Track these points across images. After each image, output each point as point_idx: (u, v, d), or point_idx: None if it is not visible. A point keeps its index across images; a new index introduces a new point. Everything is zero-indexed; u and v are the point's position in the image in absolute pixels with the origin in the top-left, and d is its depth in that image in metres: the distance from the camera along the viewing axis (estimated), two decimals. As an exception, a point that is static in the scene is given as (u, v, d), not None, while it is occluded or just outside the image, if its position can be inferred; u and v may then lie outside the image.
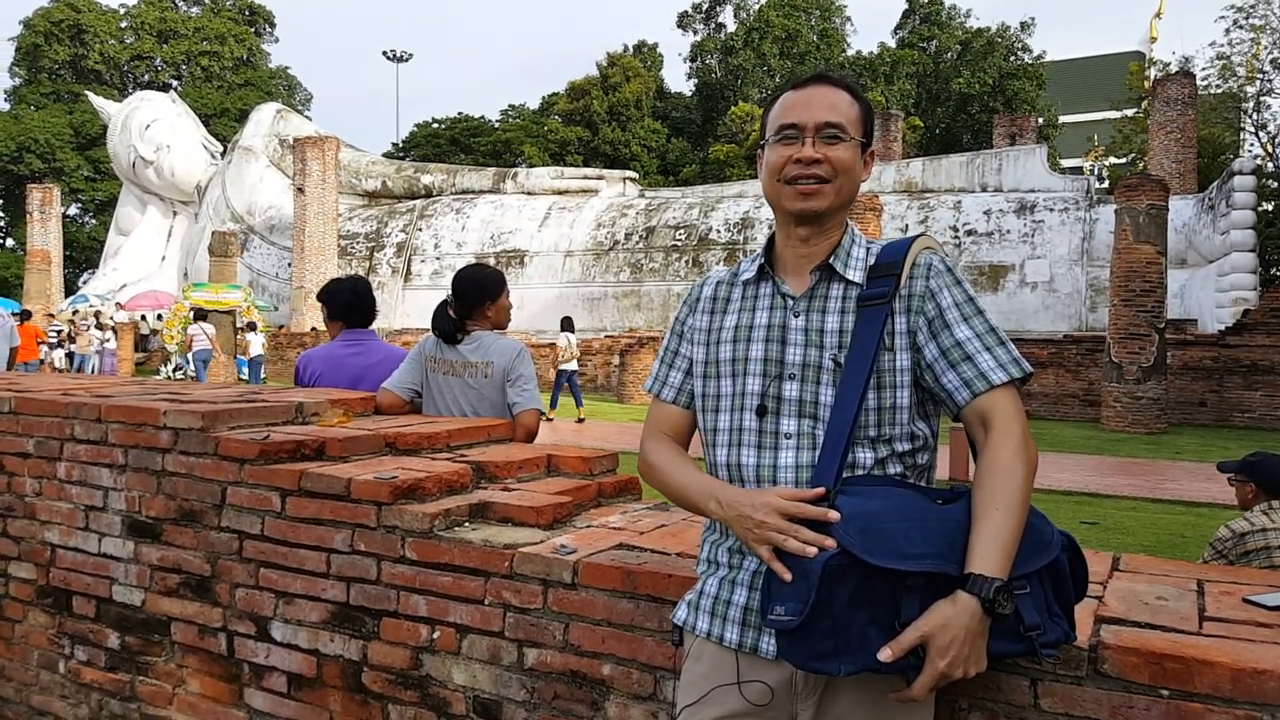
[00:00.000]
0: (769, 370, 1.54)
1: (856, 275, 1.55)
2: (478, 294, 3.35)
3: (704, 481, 1.57)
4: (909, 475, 1.52)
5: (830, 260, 1.56)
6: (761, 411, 1.54)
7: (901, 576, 1.32)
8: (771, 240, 1.65)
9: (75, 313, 26.04)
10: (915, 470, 1.54)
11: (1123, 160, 34.66)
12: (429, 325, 3.44)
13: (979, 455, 1.46)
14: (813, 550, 1.34)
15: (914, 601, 1.32)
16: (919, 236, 1.59)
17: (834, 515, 1.35)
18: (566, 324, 16.38)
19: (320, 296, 3.91)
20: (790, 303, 1.57)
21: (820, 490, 1.40)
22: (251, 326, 20.53)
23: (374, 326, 3.92)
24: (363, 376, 3.66)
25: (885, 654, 1.30)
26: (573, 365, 15.69)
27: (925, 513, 1.39)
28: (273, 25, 54.62)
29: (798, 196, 1.55)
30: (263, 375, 20.29)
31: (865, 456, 1.49)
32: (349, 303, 3.80)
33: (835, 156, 1.54)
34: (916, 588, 1.32)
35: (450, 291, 3.38)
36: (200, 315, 20.04)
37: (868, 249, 1.59)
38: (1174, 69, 30.07)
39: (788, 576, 1.35)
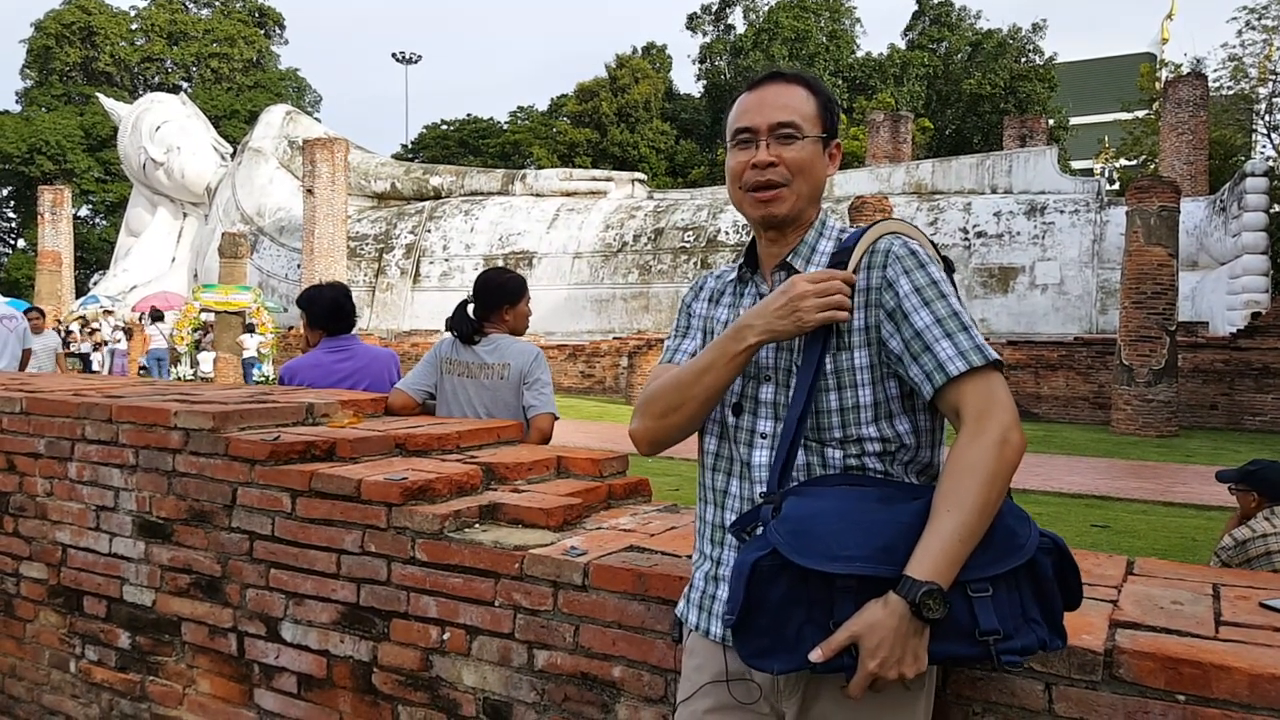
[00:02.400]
0: (748, 371, 1.53)
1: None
2: (497, 297, 3.35)
3: (702, 356, 1.53)
4: (895, 474, 1.46)
5: (789, 259, 1.55)
6: (738, 410, 1.54)
7: (833, 578, 1.29)
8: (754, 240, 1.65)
9: (108, 314, 26.16)
10: (905, 467, 1.47)
11: (1134, 162, 34.47)
12: (438, 326, 3.46)
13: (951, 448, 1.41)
14: (842, 312, 1.41)
15: (848, 602, 1.30)
16: (880, 221, 1.53)
17: (851, 277, 1.43)
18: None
19: (300, 303, 3.92)
20: None
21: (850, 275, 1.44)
22: (249, 328, 20.57)
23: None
24: (355, 381, 3.66)
25: (816, 654, 1.29)
26: None
27: (868, 514, 1.34)
28: (282, 27, 54.87)
29: (757, 204, 1.53)
30: (260, 375, 20.43)
31: (834, 454, 1.46)
32: (330, 310, 3.82)
33: (790, 157, 1.51)
34: (849, 589, 1.29)
35: (471, 292, 3.40)
36: (157, 316, 20.54)
37: (839, 239, 1.56)
38: (1185, 70, 29.94)
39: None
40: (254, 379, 20.04)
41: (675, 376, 1.57)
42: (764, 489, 1.48)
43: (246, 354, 20.09)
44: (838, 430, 1.46)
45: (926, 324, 1.41)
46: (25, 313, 8.91)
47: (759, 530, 1.38)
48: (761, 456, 1.50)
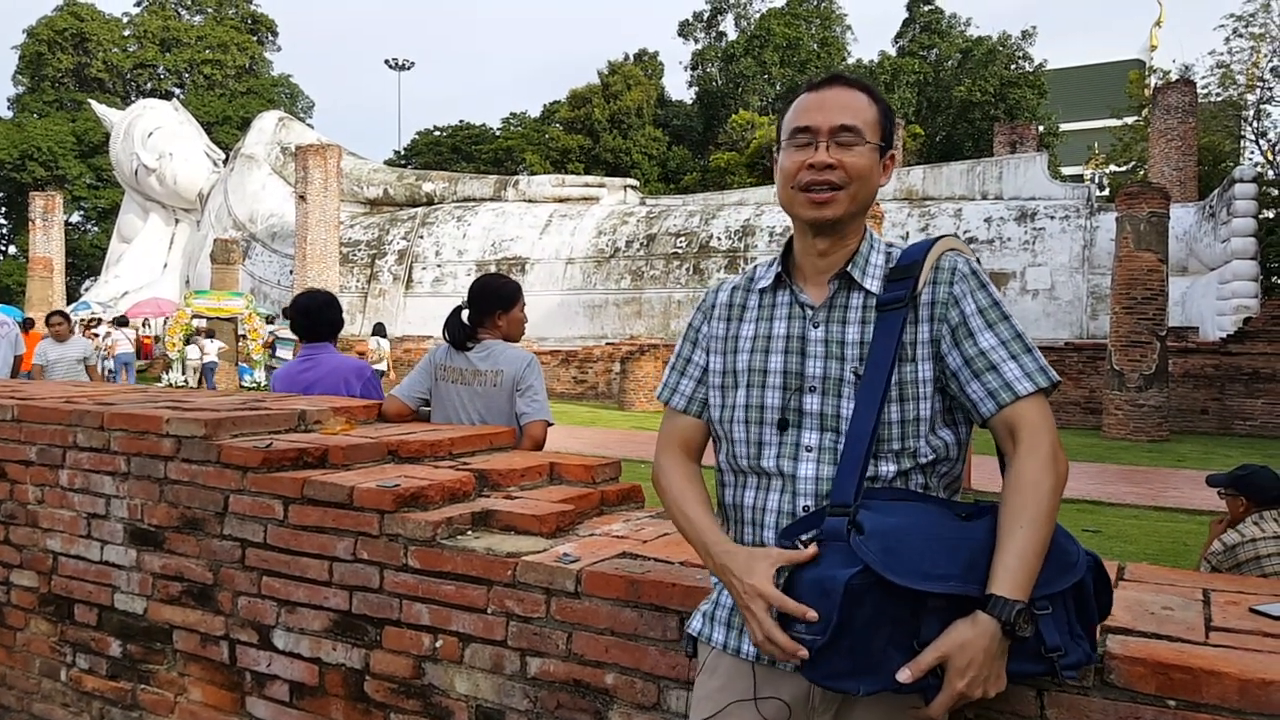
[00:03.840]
0: (789, 383, 1.50)
1: (874, 285, 1.50)
2: (490, 302, 3.33)
3: (699, 531, 1.52)
4: (933, 487, 1.48)
5: (848, 268, 1.52)
6: (783, 425, 1.50)
7: (923, 597, 1.28)
8: (789, 246, 1.60)
9: (98, 322, 26.12)
10: (940, 481, 1.50)
11: (1123, 168, 34.64)
12: (430, 332, 3.45)
13: (1006, 468, 1.43)
14: (795, 657, 1.32)
15: (934, 622, 1.29)
16: (942, 237, 1.53)
17: (813, 615, 1.29)
18: (379, 329, 18.26)
19: None
20: (809, 313, 1.53)
21: (812, 550, 1.35)
22: (209, 334, 20.53)
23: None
24: (311, 392, 3.64)
25: (904, 675, 1.28)
26: (381, 367, 17.04)
27: (947, 531, 1.35)
28: (275, 33, 54.81)
29: (810, 205, 1.50)
30: (251, 381, 20.55)
31: (887, 469, 1.45)
32: (299, 318, 3.83)
33: (850, 162, 1.48)
34: (937, 609, 1.29)
35: (466, 298, 3.38)
36: (122, 321, 20.79)
37: (888, 254, 1.54)
38: (1174, 77, 30.12)
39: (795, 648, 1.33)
40: (247, 384, 20.10)
41: (672, 512, 1.60)
42: (808, 502, 1.46)
43: (207, 359, 20.07)
44: (896, 442, 1.45)
45: (992, 344, 1.44)
46: (47, 318, 8.81)
47: (810, 537, 1.37)
48: (807, 469, 1.47)
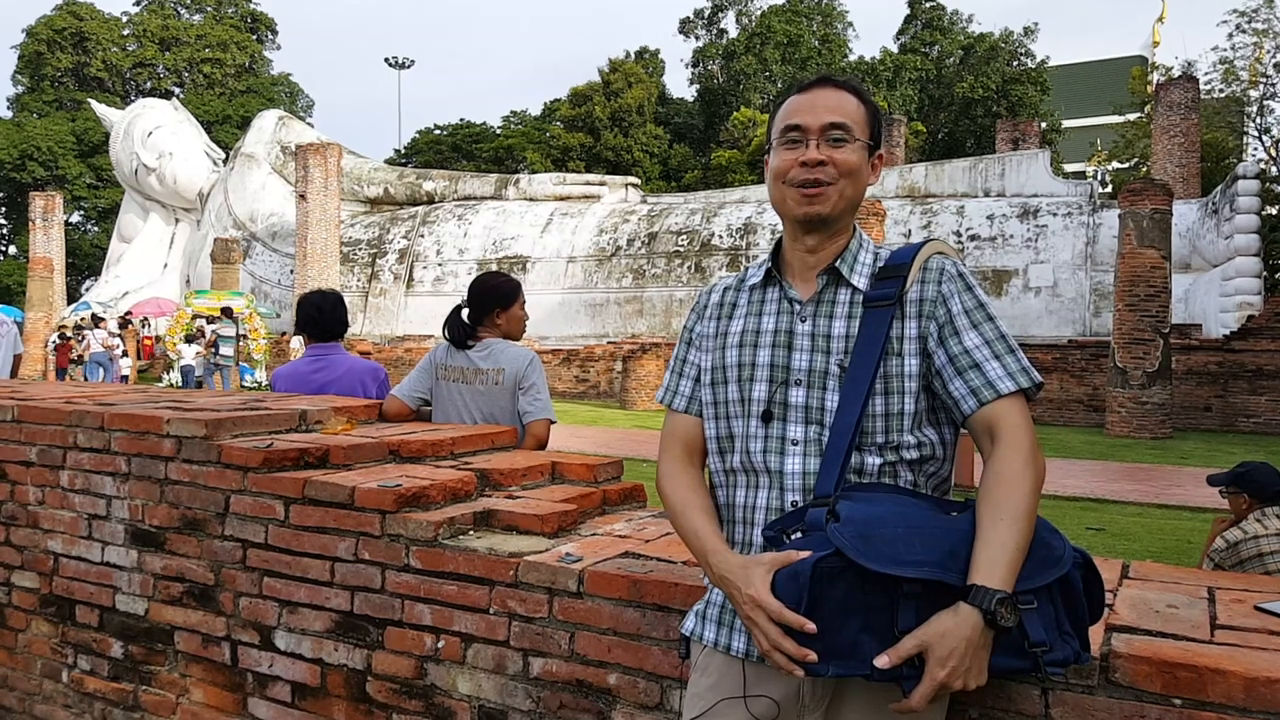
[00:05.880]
0: (775, 376, 1.52)
1: (862, 282, 1.53)
2: (488, 300, 3.32)
3: (700, 541, 1.52)
4: (920, 485, 1.49)
5: (837, 264, 1.55)
6: (767, 417, 1.51)
7: (898, 583, 1.29)
8: (779, 244, 1.63)
9: (108, 320, 26.21)
10: (928, 479, 1.51)
11: (1126, 165, 34.60)
12: (431, 331, 3.44)
13: (985, 465, 1.43)
14: (799, 671, 1.32)
15: (911, 610, 1.29)
16: (930, 241, 1.56)
17: (811, 627, 1.29)
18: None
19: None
20: (797, 308, 1.55)
21: (806, 553, 1.34)
22: (188, 338, 20.52)
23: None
24: (324, 392, 3.64)
25: (882, 660, 1.28)
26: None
27: (928, 521, 1.36)
28: (275, 32, 54.80)
29: (802, 200, 1.53)
30: (252, 381, 20.62)
31: (872, 462, 1.46)
32: (309, 317, 3.81)
33: (840, 159, 1.51)
34: (914, 595, 1.29)
35: (465, 297, 3.37)
36: (96, 321, 21.07)
37: (876, 254, 1.57)
38: (1177, 73, 30.08)
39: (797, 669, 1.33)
40: (248, 384, 20.13)
41: (674, 519, 1.60)
42: (796, 497, 1.47)
43: (184, 362, 20.08)
44: (880, 435, 1.47)
45: (977, 343, 1.47)
46: None
47: (796, 535, 1.37)
48: (794, 464, 1.49)
